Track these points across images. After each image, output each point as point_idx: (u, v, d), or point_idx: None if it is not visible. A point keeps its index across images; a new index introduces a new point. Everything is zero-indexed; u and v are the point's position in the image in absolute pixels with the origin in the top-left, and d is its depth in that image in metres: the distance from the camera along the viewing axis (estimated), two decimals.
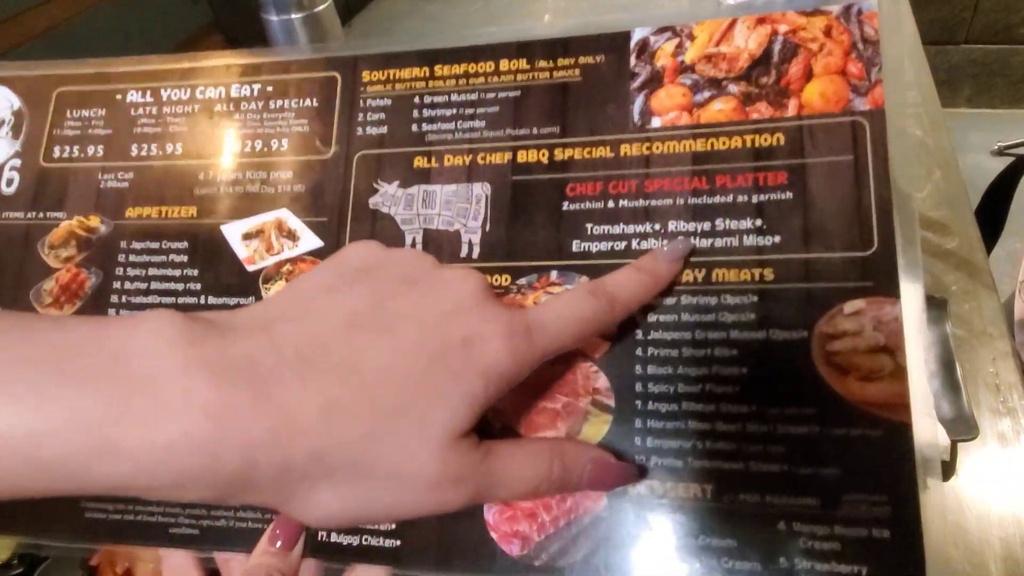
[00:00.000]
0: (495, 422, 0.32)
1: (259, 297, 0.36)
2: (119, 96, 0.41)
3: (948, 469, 0.48)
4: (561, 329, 0.26)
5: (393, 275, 0.26)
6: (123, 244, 0.38)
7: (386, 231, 0.36)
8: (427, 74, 0.37)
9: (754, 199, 0.31)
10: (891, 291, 0.29)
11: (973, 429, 0.48)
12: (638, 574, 0.29)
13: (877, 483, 0.27)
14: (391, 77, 0.37)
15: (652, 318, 0.31)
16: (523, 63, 0.36)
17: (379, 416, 0.22)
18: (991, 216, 0.92)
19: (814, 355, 0.29)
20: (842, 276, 0.30)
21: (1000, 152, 2.03)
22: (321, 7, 0.72)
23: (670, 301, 0.31)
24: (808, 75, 0.32)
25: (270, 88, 0.39)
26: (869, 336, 0.29)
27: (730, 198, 0.32)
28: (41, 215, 0.40)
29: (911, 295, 0.29)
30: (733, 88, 0.33)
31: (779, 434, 0.29)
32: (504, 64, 0.36)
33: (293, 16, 0.71)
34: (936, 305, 0.55)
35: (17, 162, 0.41)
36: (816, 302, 0.30)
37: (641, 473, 0.29)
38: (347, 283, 0.25)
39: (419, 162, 0.36)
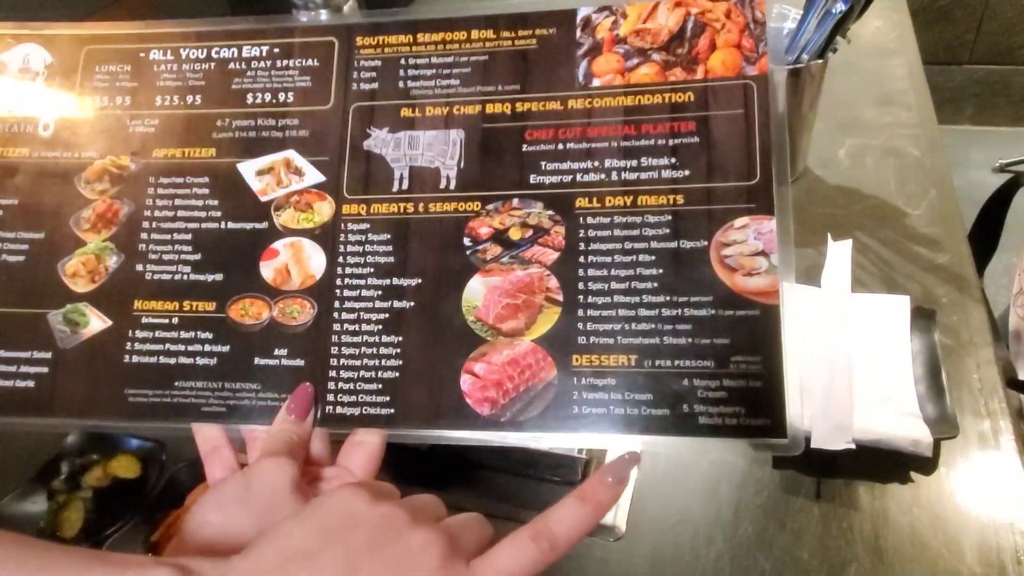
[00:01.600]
0: (468, 316, 0.40)
1: (271, 222, 0.44)
2: (142, 54, 0.47)
3: (931, 464, 0.52)
4: None
5: (364, 540, 0.29)
6: (151, 179, 0.45)
7: (378, 168, 0.44)
8: (411, 40, 0.45)
9: (670, 143, 0.41)
10: (769, 210, 0.39)
11: (954, 429, 0.52)
12: (581, 422, 0.38)
13: (754, 349, 0.37)
14: (381, 42, 0.45)
15: (592, 233, 0.40)
16: (490, 33, 0.44)
17: None
18: (988, 230, 0.94)
19: (711, 258, 0.39)
20: (733, 200, 0.39)
21: (1001, 169, 2.11)
22: (346, 6, 0.76)
23: (605, 220, 0.40)
24: (712, 47, 0.41)
25: (277, 50, 0.46)
26: (752, 243, 0.38)
27: (652, 142, 0.41)
28: (76, 155, 0.46)
29: (780, 211, 0.38)
30: (656, 56, 0.42)
31: (685, 316, 0.38)
32: (475, 33, 0.44)
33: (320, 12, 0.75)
34: (925, 315, 0.59)
35: (51, 109, 0.47)
36: (714, 219, 0.39)
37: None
38: (322, 547, 0.29)
39: (405, 112, 0.44)
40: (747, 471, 0.55)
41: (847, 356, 0.55)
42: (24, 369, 0.43)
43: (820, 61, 0.68)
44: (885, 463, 0.53)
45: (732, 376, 0.37)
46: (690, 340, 0.38)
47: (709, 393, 0.37)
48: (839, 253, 0.63)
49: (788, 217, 0.38)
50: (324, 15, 0.46)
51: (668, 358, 0.38)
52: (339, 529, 0.30)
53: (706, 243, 0.39)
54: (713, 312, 0.38)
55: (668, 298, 0.39)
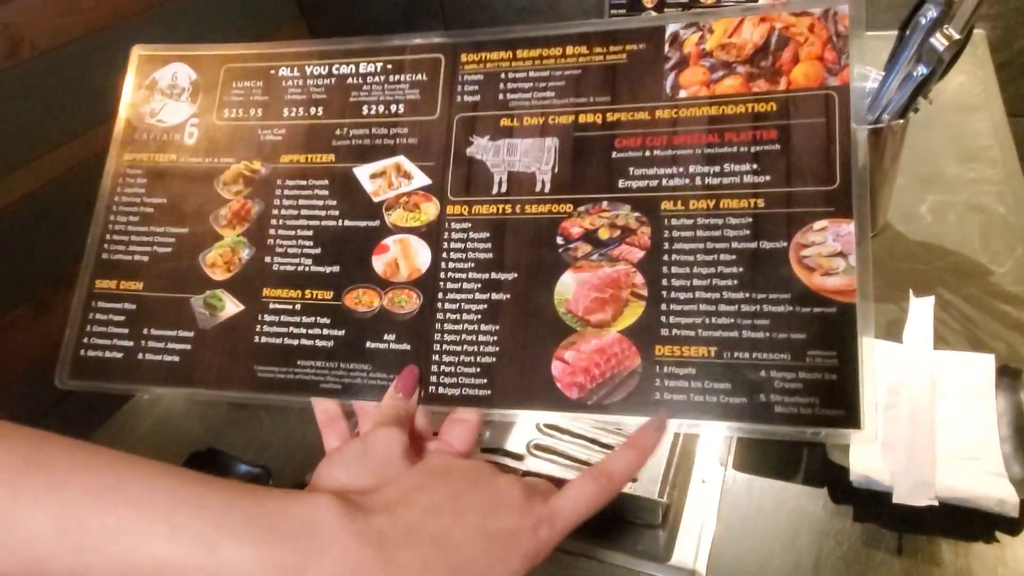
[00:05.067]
0: (560, 308, 0.44)
1: (383, 221, 0.49)
2: (272, 71, 0.53)
3: (1017, 525, 0.51)
4: (574, 513, 0.36)
5: (462, 478, 0.37)
6: (279, 182, 0.51)
7: (479, 172, 0.48)
8: (511, 56, 0.49)
9: (752, 149, 0.43)
10: (848, 214, 0.41)
11: None
12: (661, 408, 0.41)
13: (830, 344, 0.39)
14: (483, 59, 0.50)
15: (676, 234, 0.43)
16: (583, 49, 0.48)
17: (453, 573, 0.33)
18: None
19: (790, 258, 0.41)
20: (813, 203, 0.41)
21: None
22: None
23: (688, 222, 0.43)
24: (795, 60, 0.44)
25: (390, 66, 0.51)
26: (830, 245, 0.41)
27: (735, 149, 0.44)
28: (215, 160, 0.53)
29: (859, 214, 0.40)
30: (740, 69, 0.45)
31: (764, 312, 0.41)
32: (569, 49, 0.48)
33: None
34: (1010, 374, 0.59)
35: (196, 120, 0.54)
36: (793, 222, 0.42)
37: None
38: (433, 482, 0.37)
39: (504, 122, 0.48)
40: (827, 521, 0.55)
41: (930, 413, 0.55)
42: (170, 346, 0.49)
43: (901, 121, 0.67)
44: (969, 521, 0.52)
45: (808, 368, 0.39)
46: (768, 334, 0.40)
47: (785, 384, 0.39)
48: (921, 309, 0.62)
49: (866, 220, 0.40)
50: (434, 35, 0.51)
51: (746, 350, 0.40)
52: (442, 471, 0.37)
53: (785, 244, 0.41)
54: (791, 308, 0.40)
55: (747, 294, 0.41)
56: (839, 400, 0.39)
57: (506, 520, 0.35)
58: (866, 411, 0.38)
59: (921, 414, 0.55)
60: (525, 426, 0.61)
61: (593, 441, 0.60)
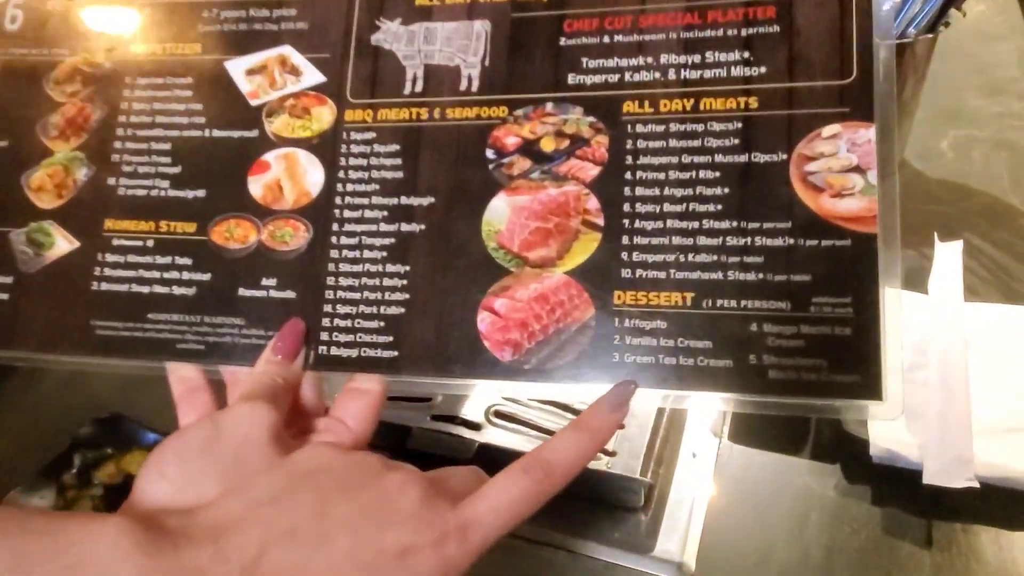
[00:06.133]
0: (489, 242, 0.33)
1: (263, 131, 0.37)
2: None
3: None
4: (495, 521, 0.26)
5: (336, 482, 0.27)
6: (127, 80, 0.39)
7: (387, 67, 0.37)
8: None
9: (743, 33, 0.33)
10: (866, 116, 0.31)
11: None
12: (621, 374, 0.31)
13: (842, 288, 0.30)
14: None
15: (642, 144, 0.33)
16: None
17: None
18: None
19: (791, 175, 0.31)
20: (822, 103, 0.31)
21: None
22: None
23: (659, 129, 0.33)
24: None
25: None
26: (843, 157, 0.31)
27: (720, 32, 0.33)
28: (45, 52, 0.40)
29: (882, 116, 0.30)
30: None
31: (756, 247, 0.31)
32: None
33: None
34: None
35: (19, 0, 0.41)
36: (796, 127, 0.31)
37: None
38: (292, 491, 0.26)
39: (421, 0, 0.37)
40: (841, 504, 0.48)
41: (964, 375, 0.48)
42: None
43: (930, 36, 0.58)
44: (1012, 505, 0.45)
45: (813, 321, 0.30)
46: (761, 276, 0.31)
47: (783, 341, 0.30)
48: (948, 256, 0.54)
49: (892, 124, 0.30)
50: None
51: (733, 297, 0.31)
52: (310, 473, 0.27)
53: (785, 156, 0.31)
54: (791, 241, 0.31)
55: (735, 224, 0.31)
56: (853, 362, 0.29)
57: (395, 537, 0.25)
58: (889, 377, 0.29)
59: (954, 377, 0.47)
60: None
61: (566, 408, 0.52)
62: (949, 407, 0.46)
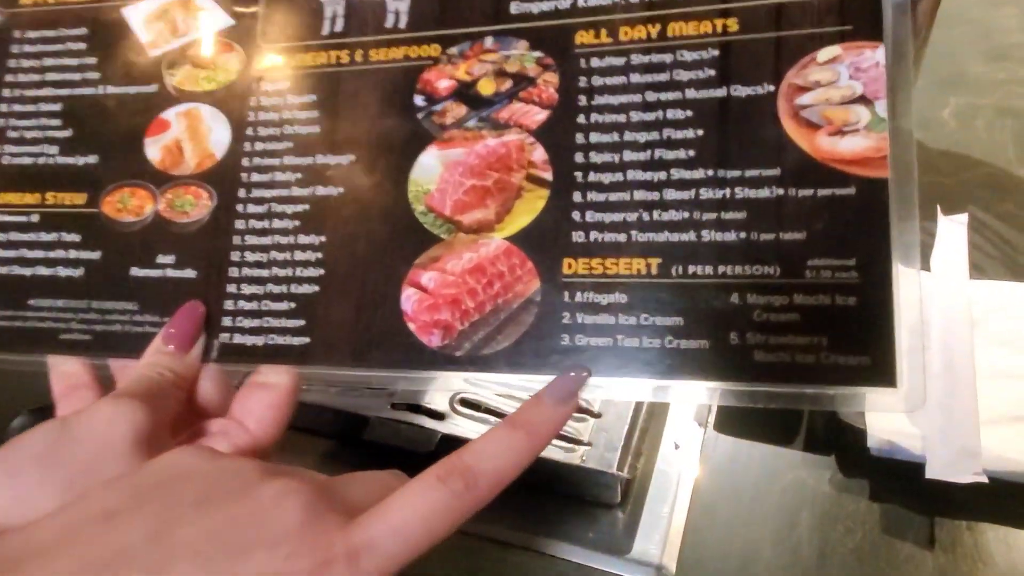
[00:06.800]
0: (416, 205, 0.28)
1: (163, 85, 0.32)
2: None
3: None
4: (397, 543, 0.21)
5: (193, 495, 0.21)
6: (16, 34, 0.34)
7: (303, 4, 0.31)
8: None
9: None
10: (873, 34, 0.25)
11: None
12: (571, 360, 0.25)
13: (845, 247, 0.24)
14: None
15: (597, 81, 0.27)
16: None
17: None
18: None
19: (780, 111, 0.25)
20: (817, 21, 0.25)
21: None
22: None
23: (618, 62, 0.27)
24: None
25: None
26: (844, 85, 0.25)
27: None
28: None
29: (895, 34, 0.24)
30: None
31: (737, 200, 0.25)
32: None
33: None
34: None
35: None
36: (785, 52, 0.26)
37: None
38: (133, 507, 0.21)
39: None
40: (835, 500, 0.45)
41: (970, 359, 0.44)
42: None
43: None
44: (1023, 501, 0.42)
45: (809, 289, 0.24)
46: (744, 235, 0.25)
47: (772, 316, 0.24)
48: (952, 231, 0.50)
49: (906, 40, 0.24)
50: None
51: (709, 263, 0.25)
52: (160, 484, 0.22)
53: (772, 88, 0.25)
54: (781, 192, 0.25)
55: (711, 173, 0.25)
56: (860, 340, 0.23)
57: (258, 565, 0.19)
58: (905, 358, 0.23)
59: (960, 361, 0.43)
60: None
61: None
62: (955, 394, 0.43)
